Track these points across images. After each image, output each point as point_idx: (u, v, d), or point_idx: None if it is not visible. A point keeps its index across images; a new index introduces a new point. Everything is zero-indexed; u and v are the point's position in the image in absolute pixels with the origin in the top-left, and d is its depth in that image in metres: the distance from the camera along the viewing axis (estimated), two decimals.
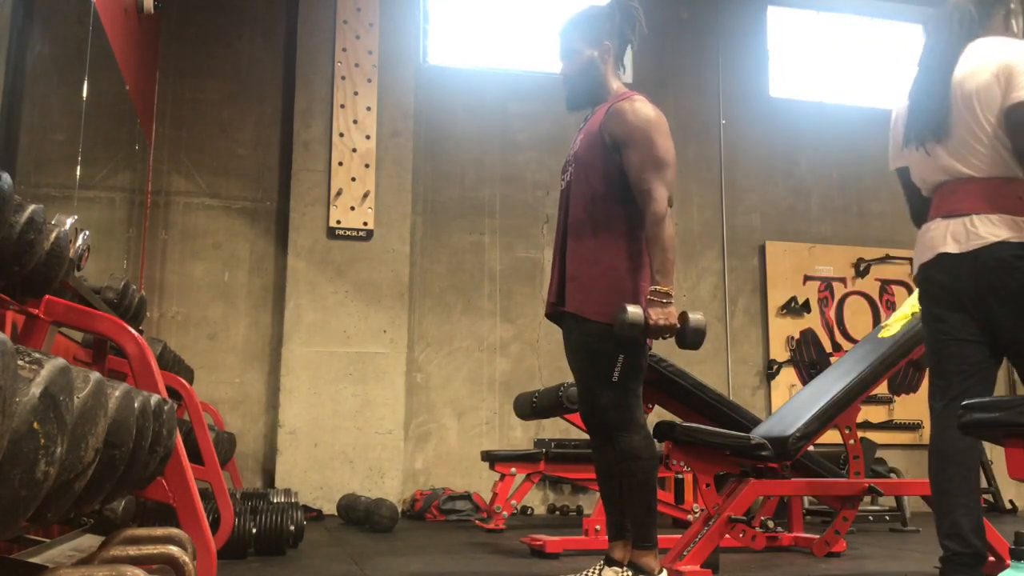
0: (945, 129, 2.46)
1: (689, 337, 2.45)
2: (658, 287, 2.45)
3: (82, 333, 2.99)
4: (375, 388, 6.07)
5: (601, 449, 2.66)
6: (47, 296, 2.21)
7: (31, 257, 1.93)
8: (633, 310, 2.41)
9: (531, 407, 4.48)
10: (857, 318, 7.24)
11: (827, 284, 7.27)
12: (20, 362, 0.90)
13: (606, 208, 2.58)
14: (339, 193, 6.19)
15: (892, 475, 5.86)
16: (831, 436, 3.60)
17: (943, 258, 2.45)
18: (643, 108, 2.59)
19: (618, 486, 2.60)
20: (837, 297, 7.27)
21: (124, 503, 2.85)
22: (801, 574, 3.23)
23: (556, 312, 2.71)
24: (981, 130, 2.40)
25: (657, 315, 2.41)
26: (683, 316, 2.46)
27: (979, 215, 2.39)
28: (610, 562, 2.62)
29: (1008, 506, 6.82)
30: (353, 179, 6.22)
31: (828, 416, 3.23)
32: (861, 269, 7.30)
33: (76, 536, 2.60)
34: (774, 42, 7.74)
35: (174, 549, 1.59)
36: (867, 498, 3.45)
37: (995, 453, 6.72)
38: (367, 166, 6.26)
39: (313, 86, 6.34)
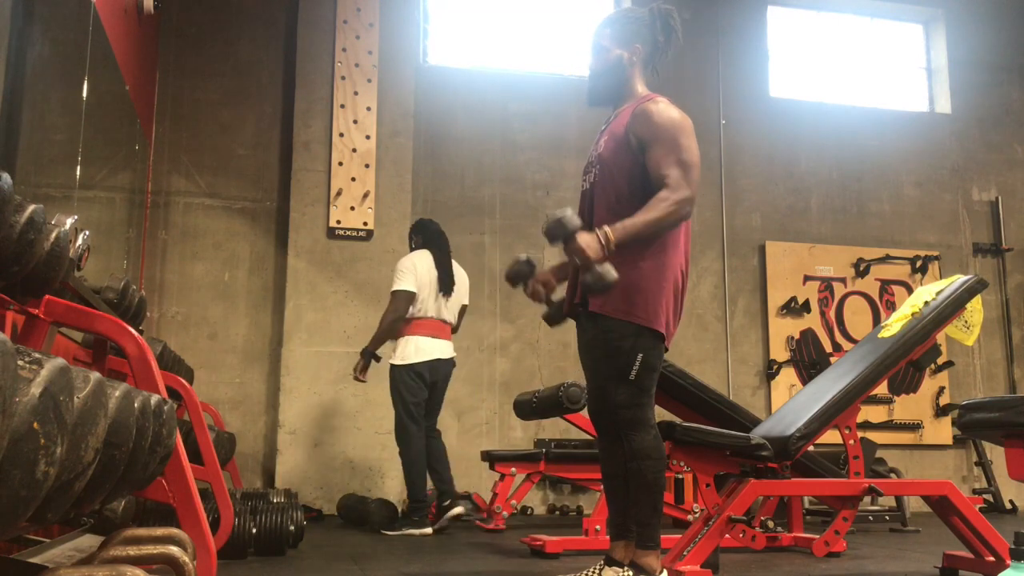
0: None
1: (590, 278, 2.37)
2: (609, 231, 2.40)
3: (82, 333, 2.99)
4: (375, 388, 6.06)
5: (609, 449, 2.64)
6: (47, 296, 2.21)
7: (31, 257, 1.93)
8: (570, 215, 2.38)
9: (531, 407, 4.49)
10: (857, 318, 7.24)
11: (827, 284, 7.26)
12: (20, 362, 0.90)
13: (631, 209, 2.57)
14: (339, 193, 6.19)
15: (892, 475, 5.85)
16: (831, 436, 3.60)
17: None
18: (668, 110, 2.60)
19: (623, 486, 2.59)
20: (837, 297, 7.27)
21: (124, 503, 2.85)
22: (801, 574, 3.23)
23: (576, 312, 2.72)
24: None
25: (584, 241, 2.36)
26: (604, 263, 2.36)
27: None
28: (611, 562, 2.62)
29: (1008, 506, 6.82)
30: (353, 179, 6.22)
31: (828, 416, 3.23)
32: (861, 269, 7.29)
33: (76, 536, 2.60)
34: (774, 42, 7.74)
35: (174, 549, 1.59)
36: (867, 498, 3.45)
37: (995, 453, 6.72)
38: (367, 166, 6.26)
39: (313, 86, 6.34)
